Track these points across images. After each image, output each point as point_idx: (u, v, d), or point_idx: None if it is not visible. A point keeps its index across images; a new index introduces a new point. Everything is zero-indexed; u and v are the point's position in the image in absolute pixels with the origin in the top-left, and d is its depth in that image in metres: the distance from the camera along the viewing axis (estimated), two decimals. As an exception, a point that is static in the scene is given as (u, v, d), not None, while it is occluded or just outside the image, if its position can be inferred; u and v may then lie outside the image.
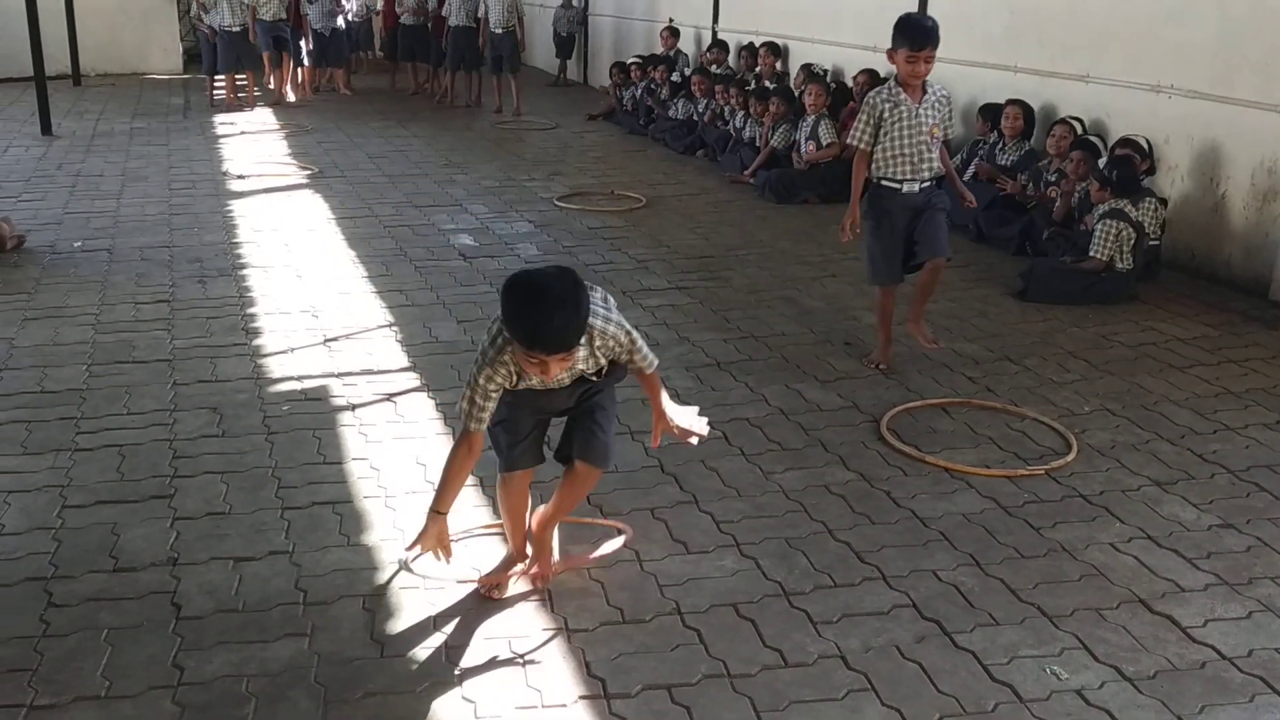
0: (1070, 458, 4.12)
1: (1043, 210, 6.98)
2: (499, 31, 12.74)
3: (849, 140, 5.00)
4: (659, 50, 12.75)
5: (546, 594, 3.18)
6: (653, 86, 11.91)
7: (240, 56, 12.78)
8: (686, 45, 12.80)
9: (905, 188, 4.80)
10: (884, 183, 4.84)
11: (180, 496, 3.72)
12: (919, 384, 4.86)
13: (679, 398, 4.61)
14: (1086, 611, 3.15)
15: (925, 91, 4.78)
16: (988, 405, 4.62)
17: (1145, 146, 6.59)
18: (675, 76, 11.78)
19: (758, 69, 10.84)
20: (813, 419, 4.47)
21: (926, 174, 4.81)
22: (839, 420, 4.46)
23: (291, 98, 13.59)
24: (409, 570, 3.26)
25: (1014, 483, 3.93)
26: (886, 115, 4.75)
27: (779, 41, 10.95)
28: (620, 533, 3.48)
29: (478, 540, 3.48)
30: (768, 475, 3.97)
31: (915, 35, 4.63)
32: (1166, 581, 3.32)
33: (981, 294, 6.21)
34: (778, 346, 5.31)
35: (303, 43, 13.77)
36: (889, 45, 4.72)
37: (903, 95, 4.75)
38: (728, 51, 11.70)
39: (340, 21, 14.08)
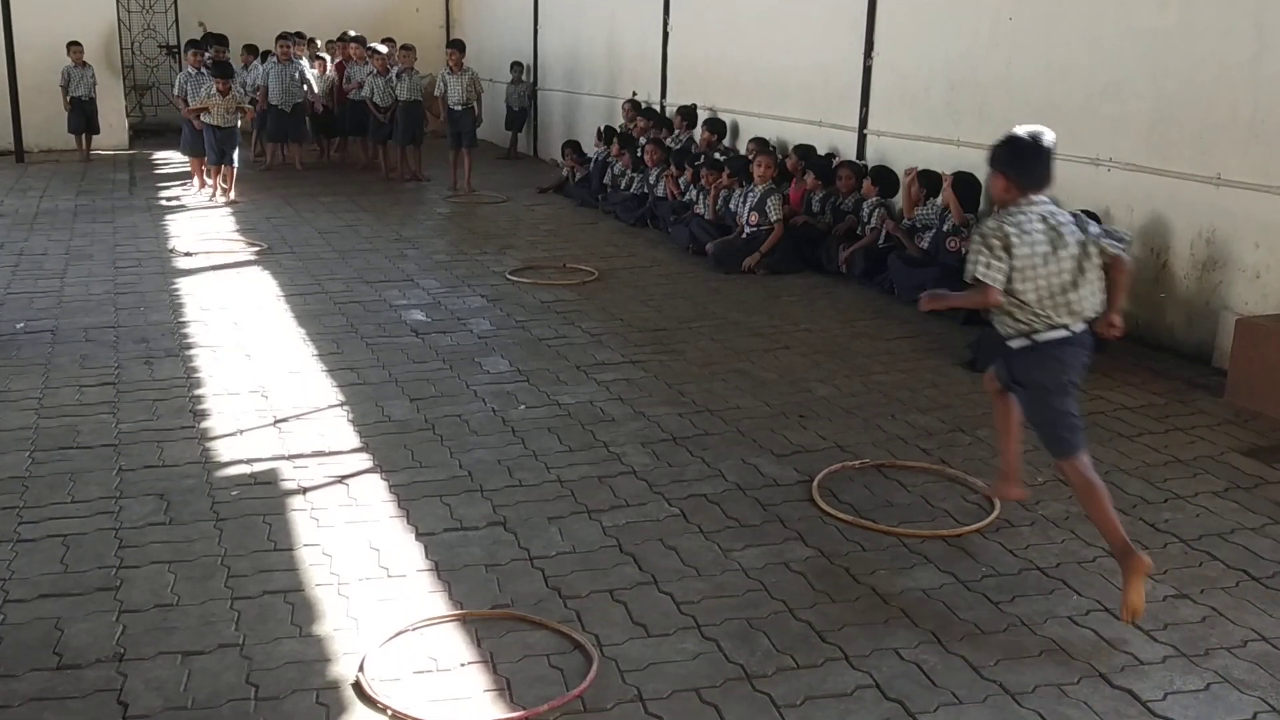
0: (993, 516, 4.24)
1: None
2: (459, 108, 12.85)
3: None
4: (621, 122, 12.76)
5: (506, 682, 3.12)
6: (609, 160, 12.00)
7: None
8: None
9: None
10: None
11: (126, 588, 3.61)
12: (875, 456, 4.87)
13: (635, 474, 4.62)
14: (1048, 688, 3.14)
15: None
16: (912, 465, 4.67)
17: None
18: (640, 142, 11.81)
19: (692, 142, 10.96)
20: (770, 494, 4.47)
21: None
22: (796, 495, 4.46)
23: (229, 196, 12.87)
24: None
25: (972, 556, 3.94)
26: None
27: (725, 117, 11.11)
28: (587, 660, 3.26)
29: (432, 629, 3.42)
30: (727, 553, 3.94)
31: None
32: (1125, 655, 3.33)
33: (932, 364, 6.28)
34: (733, 420, 5.32)
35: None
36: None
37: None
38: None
39: (304, 92, 14.08)
